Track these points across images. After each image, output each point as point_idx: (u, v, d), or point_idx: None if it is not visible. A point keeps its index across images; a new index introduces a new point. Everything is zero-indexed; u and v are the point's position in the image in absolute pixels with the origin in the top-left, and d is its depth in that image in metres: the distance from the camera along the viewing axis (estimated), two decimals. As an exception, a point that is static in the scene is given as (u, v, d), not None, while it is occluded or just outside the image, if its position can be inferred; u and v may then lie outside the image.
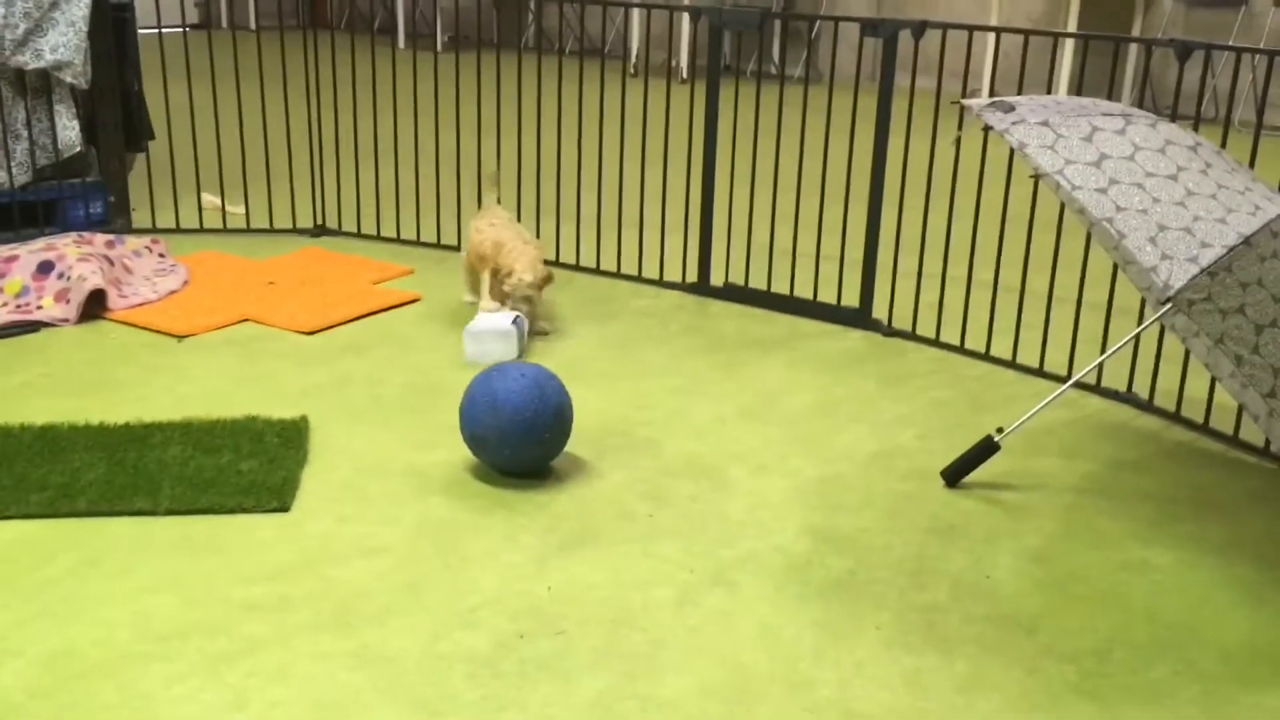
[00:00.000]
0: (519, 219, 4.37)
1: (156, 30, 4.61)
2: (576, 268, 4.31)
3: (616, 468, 2.79)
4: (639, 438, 2.95)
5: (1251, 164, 2.81)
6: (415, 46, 4.76)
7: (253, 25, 11.30)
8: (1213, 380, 3.01)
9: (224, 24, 11.38)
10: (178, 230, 4.58)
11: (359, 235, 4.61)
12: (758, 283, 4.11)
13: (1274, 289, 2.45)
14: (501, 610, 2.20)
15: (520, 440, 2.62)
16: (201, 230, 4.61)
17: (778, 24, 9.10)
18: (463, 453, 2.80)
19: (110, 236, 4.03)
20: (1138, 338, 2.93)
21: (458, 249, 4.46)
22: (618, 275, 4.25)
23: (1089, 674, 2.08)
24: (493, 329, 3.38)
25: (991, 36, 7.72)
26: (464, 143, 5.71)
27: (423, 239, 4.56)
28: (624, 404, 3.15)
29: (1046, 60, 8.28)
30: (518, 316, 3.45)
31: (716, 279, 4.13)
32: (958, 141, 2.92)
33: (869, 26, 3.58)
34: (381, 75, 8.26)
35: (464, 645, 2.10)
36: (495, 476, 2.71)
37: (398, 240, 4.55)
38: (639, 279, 4.21)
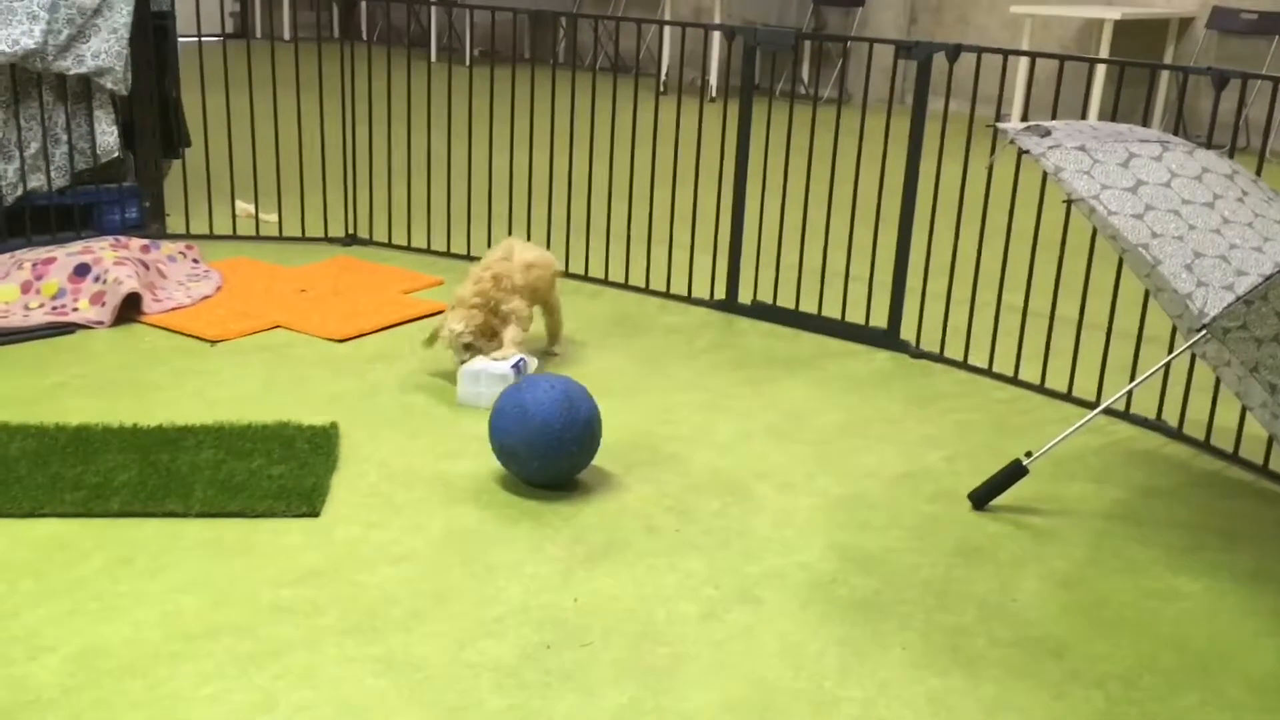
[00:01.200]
0: (549, 233, 4.40)
1: (196, 39, 4.66)
2: (605, 282, 4.33)
3: (643, 481, 2.79)
4: (665, 453, 2.96)
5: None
6: (449, 60, 4.81)
7: (287, 36, 11.42)
8: (1243, 410, 2.99)
9: (259, 34, 11.50)
10: (211, 236, 4.62)
11: (389, 245, 4.64)
12: (785, 301, 4.11)
13: (1308, 319, 2.43)
14: (527, 620, 2.21)
15: (548, 452, 2.63)
16: (235, 237, 4.65)
17: (809, 44, 9.14)
18: (490, 463, 2.82)
19: (146, 241, 4.08)
20: (1168, 365, 2.92)
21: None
22: (646, 291, 4.26)
23: (1116, 700, 2.07)
24: (489, 371, 3.18)
25: (1024, 62, 7.72)
26: (495, 157, 5.75)
27: (452, 250, 4.59)
28: (651, 419, 3.16)
29: (1079, 87, 8.27)
30: (521, 359, 3.25)
31: (744, 297, 4.14)
32: (991, 165, 2.92)
33: (904, 49, 3.59)
34: (415, 88, 8.33)
35: (490, 654, 2.11)
36: (522, 487, 2.72)
37: (428, 251, 4.59)
38: (667, 295, 4.22)
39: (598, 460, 2.86)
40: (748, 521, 2.64)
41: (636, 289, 4.28)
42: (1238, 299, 2.38)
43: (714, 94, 8.98)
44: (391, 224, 4.84)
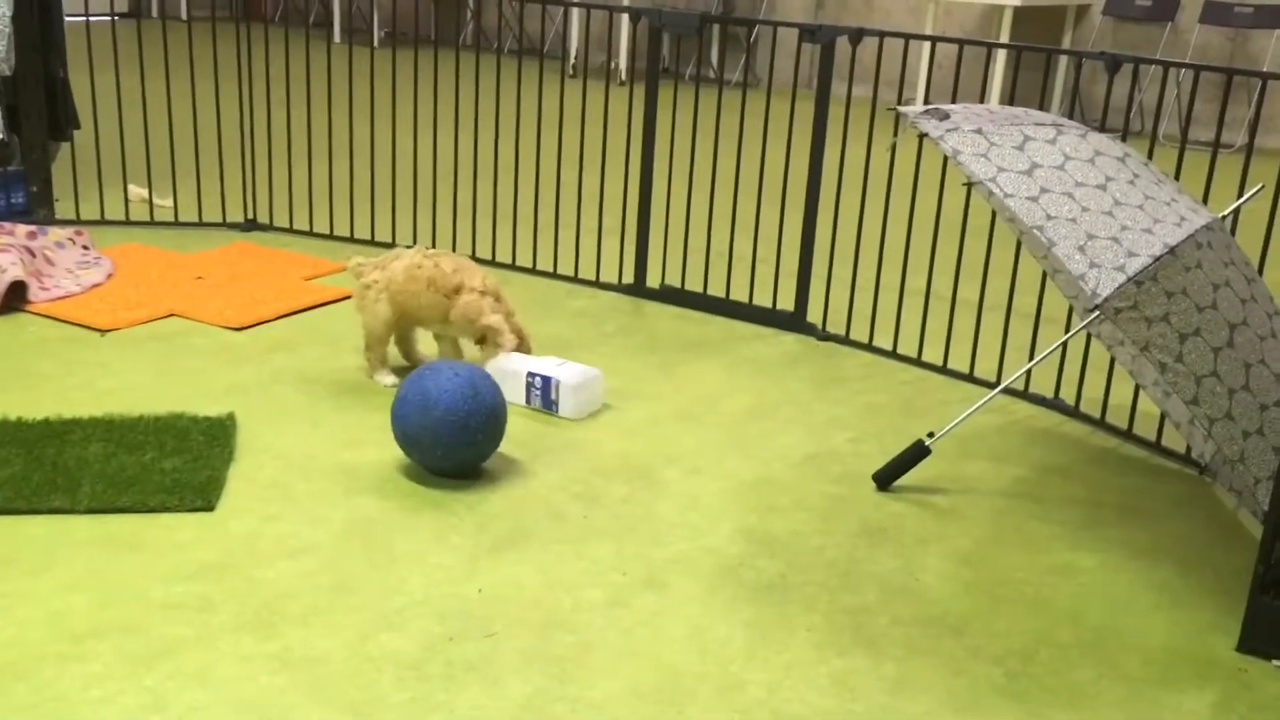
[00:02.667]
0: (455, 218, 4.33)
1: (84, 18, 4.49)
2: (513, 267, 4.28)
3: (550, 468, 2.77)
4: (573, 438, 2.94)
5: (1176, 177, 2.86)
6: (351, 41, 4.70)
7: (184, 15, 11.09)
8: (1136, 388, 3.06)
9: (154, 14, 11.16)
10: (103, 222, 4.47)
11: (291, 231, 4.53)
12: (694, 285, 4.11)
13: (1197, 299, 2.49)
14: (430, 611, 2.18)
15: (452, 440, 2.59)
16: (127, 223, 4.50)
17: (716, 28, 9.14)
18: (394, 452, 2.77)
19: (32, 227, 3.92)
20: (1065, 345, 2.97)
21: (392, 244, 4.41)
22: (554, 276, 4.23)
23: (1015, 675, 2.10)
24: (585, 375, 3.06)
25: (927, 46, 7.82)
26: (400, 140, 5.65)
27: (356, 235, 4.50)
28: (558, 404, 3.13)
29: (980, 71, 8.41)
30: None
31: (653, 281, 4.13)
32: (893, 147, 2.95)
33: (807, 32, 3.60)
34: (318, 70, 8.15)
35: (391, 647, 2.07)
36: (427, 476, 2.68)
37: (331, 236, 4.49)
38: (575, 279, 4.19)
39: (504, 447, 2.83)
40: (655, 506, 2.63)
41: (544, 273, 4.25)
42: (1129, 279, 2.43)
43: (623, 78, 8.95)
44: (293, 209, 4.72)
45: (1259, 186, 2.70)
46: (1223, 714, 2.02)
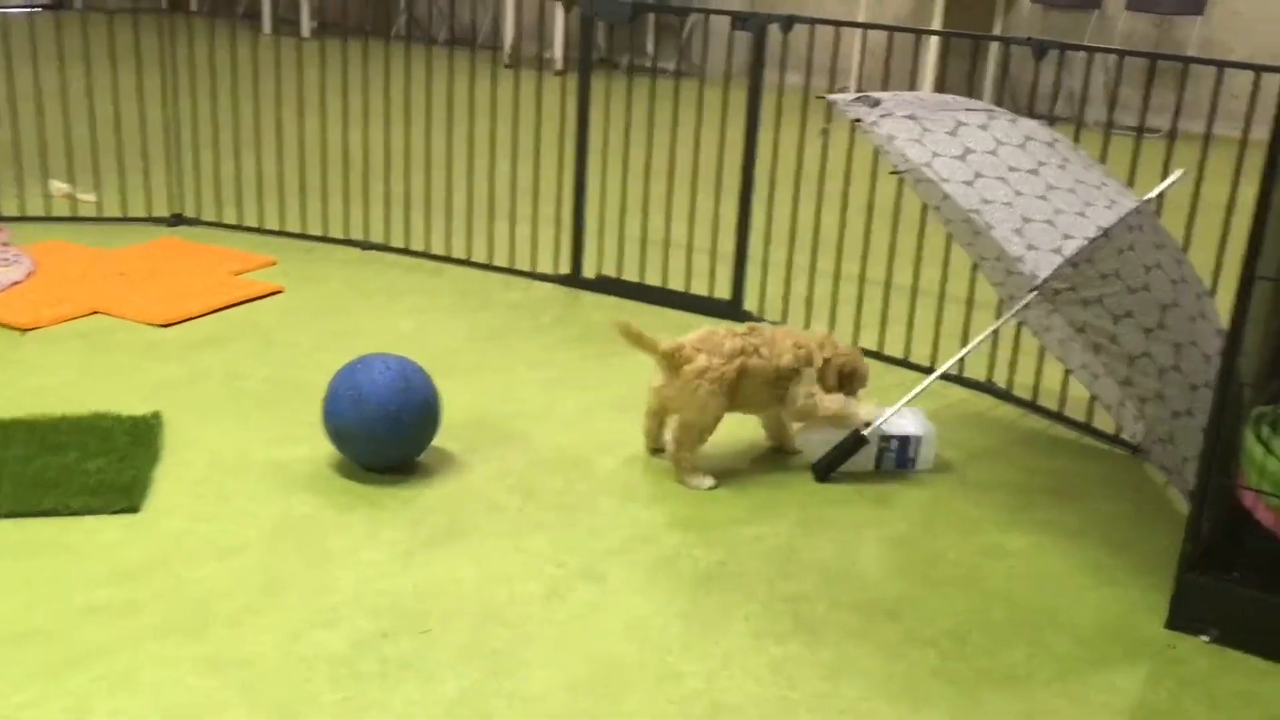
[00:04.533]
0: (388, 210, 4.27)
1: (1, 11, 4.37)
2: (447, 259, 4.24)
3: (485, 461, 2.74)
4: (509, 430, 2.91)
5: (1102, 161, 2.90)
6: (280, 33, 4.61)
7: (108, 6, 10.84)
8: (1066, 371, 3.10)
9: (77, 5, 10.89)
10: (23, 219, 4.35)
11: (219, 225, 4.45)
12: (630, 274, 4.09)
13: (1130, 280, 2.53)
14: (364, 609, 2.14)
15: (385, 435, 2.55)
16: (49, 219, 4.38)
17: (650, 16, 9.11)
18: (326, 448, 2.72)
19: (-53, 223, 3.81)
20: (997, 331, 3.00)
21: (322, 239, 4.34)
22: (489, 267, 4.19)
23: (949, 657, 2.11)
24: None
25: (859, 34, 7.87)
26: (330, 132, 5.56)
27: (286, 229, 4.42)
28: (494, 396, 3.10)
29: (911, 58, 8.48)
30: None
31: (589, 271, 4.10)
32: (825, 133, 2.95)
33: (738, 20, 3.60)
34: (245, 62, 8.00)
35: (324, 646, 2.03)
36: (360, 472, 2.64)
37: (260, 230, 4.41)
38: (511, 271, 4.16)
39: (439, 441, 2.79)
40: (593, 497, 2.61)
41: (479, 265, 4.20)
42: (1065, 261, 2.45)
43: (559, 68, 8.89)
44: (221, 203, 4.63)
45: (1181, 171, 2.74)
46: (1152, 690, 2.05)
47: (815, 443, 2.80)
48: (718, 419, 2.70)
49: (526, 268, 4.17)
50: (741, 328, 2.77)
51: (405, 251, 4.28)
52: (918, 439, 2.82)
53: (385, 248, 4.32)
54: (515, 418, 2.99)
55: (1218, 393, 2.18)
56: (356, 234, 4.41)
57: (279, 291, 3.78)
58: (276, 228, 4.43)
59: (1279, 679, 2.10)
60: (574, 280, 4.09)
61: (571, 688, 1.97)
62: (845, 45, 8.43)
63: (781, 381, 2.73)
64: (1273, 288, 2.35)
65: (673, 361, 2.69)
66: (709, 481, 2.70)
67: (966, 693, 2.02)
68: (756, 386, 2.71)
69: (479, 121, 5.54)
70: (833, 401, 2.75)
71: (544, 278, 4.12)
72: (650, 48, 9.25)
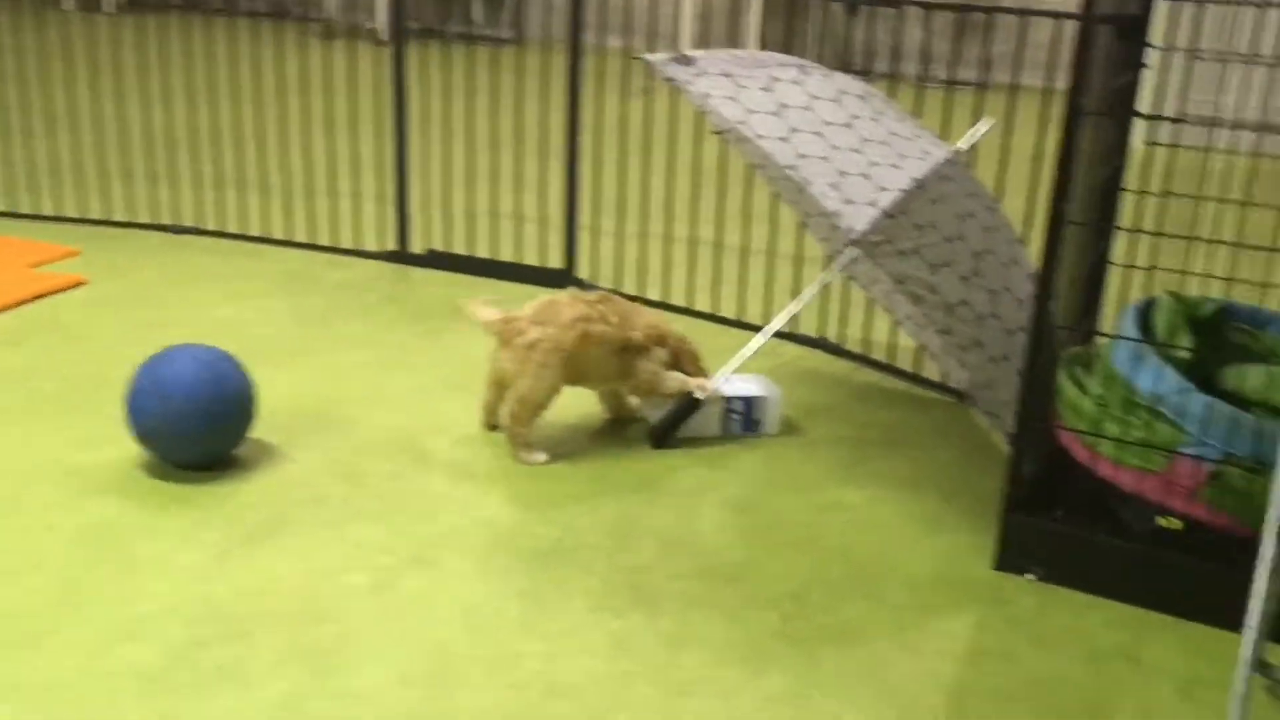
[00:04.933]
0: (201, 191, 4.05)
1: None
2: (267, 240, 4.05)
3: (309, 450, 2.62)
4: (335, 416, 2.79)
5: (917, 115, 2.92)
6: (83, 9, 4.32)
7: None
8: (895, 322, 3.13)
9: None
10: None
11: (12, 215, 4.15)
12: (460, 248, 3.99)
13: (945, 230, 2.55)
14: (176, 617, 2.01)
15: (196, 430, 2.41)
16: None
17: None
18: (134, 449, 2.55)
19: None
20: (827, 286, 3.01)
21: (129, 225, 4.09)
22: (312, 247, 4.02)
23: (789, 617, 2.11)
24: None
25: (688, -3, 7.84)
26: (138, 112, 5.25)
27: (89, 216, 4.16)
28: (319, 381, 2.97)
29: (736, 20, 8.50)
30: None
31: (417, 246, 3.98)
32: (645, 91, 2.89)
33: (554, -19, 3.50)
34: (42, 41, 7.51)
35: (132, 660, 1.90)
36: (172, 471, 2.48)
37: (59, 219, 4.13)
38: (335, 250, 4.00)
39: (257, 432, 2.66)
40: (424, 480, 2.52)
41: (301, 245, 4.03)
42: (881, 214, 2.46)
43: (382, 37, 8.62)
44: (15, 191, 4.32)
45: (990, 120, 2.78)
46: (982, 632, 2.08)
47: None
48: (553, 392, 2.63)
49: (351, 246, 4.02)
50: (594, 296, 2.70)
51: (220, 234, 4.08)
52: (762, 400, 2.81)
53: (199, 231, 4.10)
54: (341, 403, 2.86)
55: (1031, 336, 2.21)
56: (166, 218, 4.18)
57: (82, 283, 3.55)
58: (77, 215, 4.16)
59: (1101, 611, 2.16)
60: (402, 256, 3.96)
61: (403, 681, 1.89)
62: (668, 6, 8.40)
63: (628, 355, 2.68)
64: (1082, 233, 2.40)
65: (504, 334, 2.61)
66: (542, 456, 2.63)
67: (807, 652, 2.01)
68: (602, 356, 2.64)
69: (294, 96, 5.32)
70: (675, 379, 2.72)
71: (370, 255, 3.97)
72: (478, 15, 9.06)
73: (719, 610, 2.12)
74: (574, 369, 2.63)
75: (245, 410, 2.49)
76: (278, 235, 4.08)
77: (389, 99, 3.92)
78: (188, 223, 4.14)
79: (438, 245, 4.00)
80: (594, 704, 1.86)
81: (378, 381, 3.00)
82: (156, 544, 2.22)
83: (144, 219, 4.14)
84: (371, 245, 4.03)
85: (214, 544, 2.23)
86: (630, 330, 2.67)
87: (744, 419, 2.80)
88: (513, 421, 2.62)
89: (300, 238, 4.07)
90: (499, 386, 2.70)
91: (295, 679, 1.87)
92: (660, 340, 2.72)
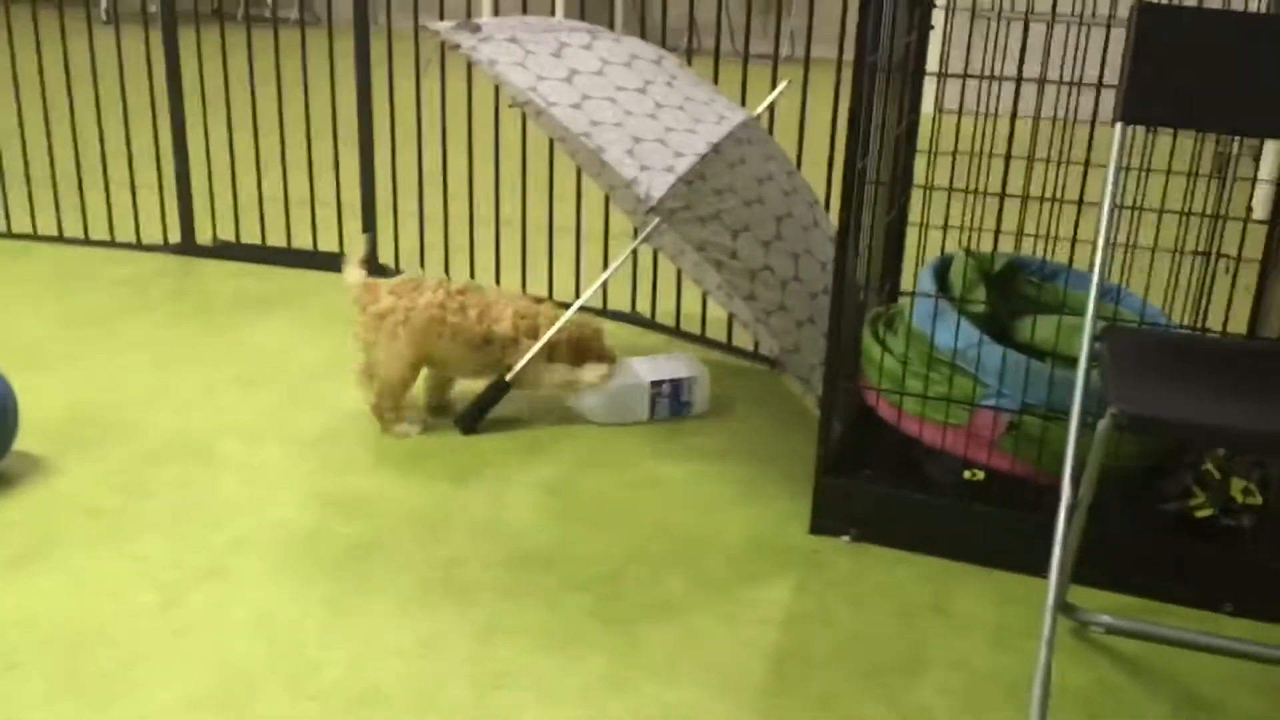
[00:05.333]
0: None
1: None
2: (35, 237, 3.75)
3: (84, 461, 2.41)
4: (114, 422, 2.58)
5: (716, 85, 2.89)
6: None
7: None
8: (704, 293, 3.11)
9: None
10: None
11: None
12: (250, 237, 3.77)
13: (744, 194, 2.52)
14: (-73, 656, 1.81)
15: (-52, 446, 2.18)
16: None
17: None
18: (-122, 471, 2.30)
19: None
20: (635, 256, 2.96)
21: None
22: (87, 242, 3.74)
23: (606, 598, 2.04)
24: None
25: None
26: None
27: None
28: (95, 386, 2.75)
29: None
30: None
31: (203, 237, 3.75)
32: (429, 63, 2.77)
33: (334, -48, 3.33)
34: None
35: (-125, 709, 1.69)
36: (-77, 494, 2.25)
37: None
38: (113, 244, 3.73)
39: (23, 444, 2.43)
40: (213, 485, 2.35)
41: (75, 241, 3.74)
42: (679, 179, 2.41)
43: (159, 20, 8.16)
44: None
45: (786, 82, 2.77)
46: (801, 597, 2.07)
47: (601, 405, 2.67)
48: (406, 366, 2.53)
49: (131, 240, 3.76)
50: (457, 285, 2.60)
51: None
52: (691, 380, 2.73)
53: (-44, 232, 3.76)
54: (120, 407, 2.65)
55: (834, 297, 2.21)
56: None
57: None
58: None
59: (912, 566, 2.17)
60: (187, 248, 3.72)
61: (193, 704, 1.74)
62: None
63: (492, 348, 2.58)
64: (880, 193, 2.41)
65: (360, 299, 2.57)
66: (410, 429, 2.57)
67: (624, 632, 1.95)
68: (458, 347, 2.56)
69: (57, 82, 4.94)
70: (556, 372, 2.62)
71: (153, 248, 3.72)
72: (266, -3, 8.66)
73: (534, 597, 2.04)
74: (431, 355, 2.56)
75: (5, 421, 2.26)
76: (47, 232, 3.78)
77: (163, 84, 3.67)
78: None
79: (226, 235, 3.77)
80: (403, 709, 1.75)
81: (161, 382, 2.79)
82: (-95, 576, 2.00)
83: (-109, 220, 3.78)
84: (153, 238, 3.78)
85: (-27, 571, 2.02)
86: (492, 322, 2.57)
87: (672, 401, 2.72)
88: (377, 397, 2.56)
89: (73, 234, 3.78)
90: (369, 367, 2.60)
91: (70, 712, 1.71)
92: (533, 331, 2.61)
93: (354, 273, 2.63)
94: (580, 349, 2.67)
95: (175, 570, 2.07)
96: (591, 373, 2.64)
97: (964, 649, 1.95)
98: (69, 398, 2.69)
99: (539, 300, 2.69)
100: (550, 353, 2.63)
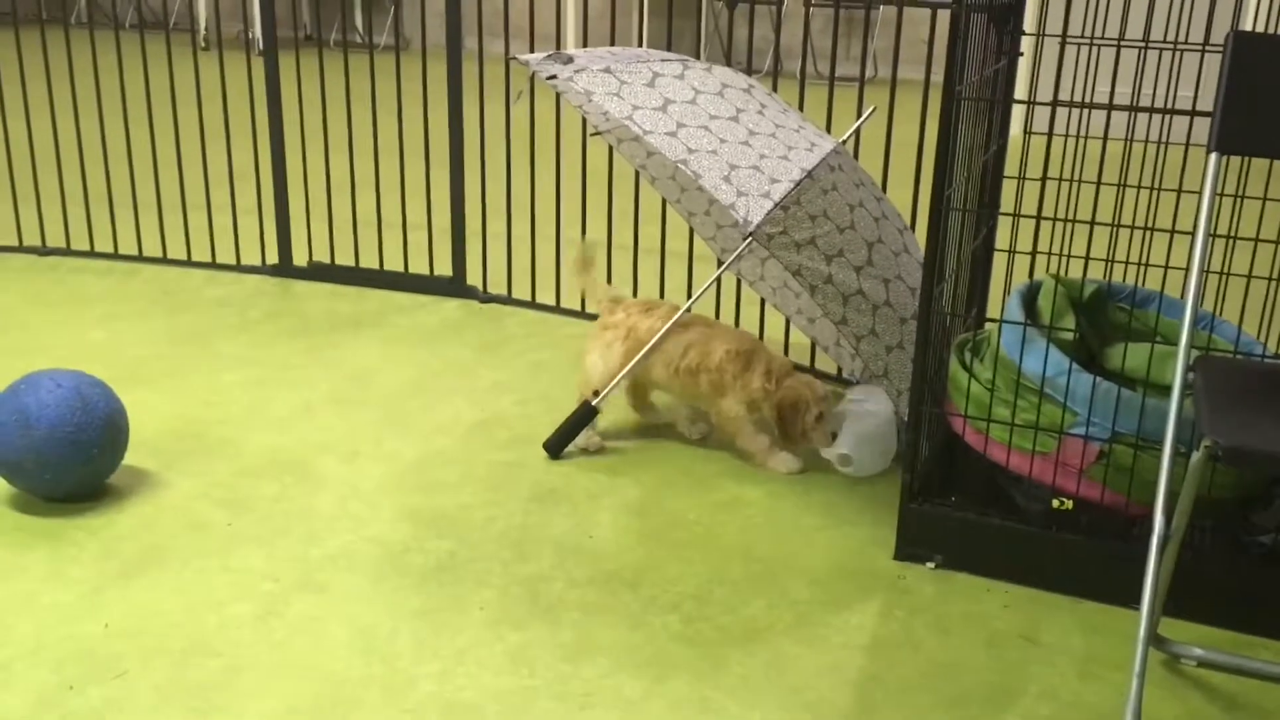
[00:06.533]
0: (64, 208, 3.87)
1: None
2: (140, 258, 3.89)
3: (187, 475, 2.50)
4: (214, 438, 2.67)
5: (800, 108, 2.92)
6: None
7: None
8: (786, 318, 3.12)
9: None
10: None
11: None
12: (345, 259, 3.88)
13: (838, 220, 2.54)
14: (43, 660, 1.89)
15: (63, 460, 2.28)
16: None
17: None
18: (-3, 482, 2.42)
19: None
20: (719, 281, 2.98)
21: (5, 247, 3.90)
22: (189, 264, 3.88)
23: (691, 619, 2.07)
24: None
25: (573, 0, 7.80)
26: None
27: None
28: (196, 403, 2.85)
29: (616, 21, 8.49)
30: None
31: (299, 259, 3.86)
32: (520, 95, 2.84)
33: (429, -18, 3.43)
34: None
35: (-4, 710, 1.78)
36: (39, 505, 2.35)
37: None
38: (214, 265, 3.86)
39: (130, 459, 2.53)
40: (310, 501, 2.42)
41: (178, 262, 3.88)
42: (776, 205, 2.44)
43: (262, 48, 8.42)
44: None
45: (873, 108, 2.78)
46: (885, 623, 2.07)
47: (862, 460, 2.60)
48: (610, 375, 2.67)
49: (230, 261, 3.89)
50: (690, 315, 2.69)
51: (91, 254, 3.91)
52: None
53: (67, 252, 3.92)
54: (221, 424, 2.75)
55: (921, 322, 2.21)
56: (32, 239, 4.00)
57: None
58: (-65, 240, 3.95)
59: (998, 595, 2.16)
60: (284, 270, 3.83)
61: (292, 712, 1.80)
62: (548, 10, 8.38)
63: (698, 378, 2.62)
64: (967, 219, 2.41)
65: (603, 309, 2.74)
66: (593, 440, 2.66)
67: (709, 654, 1.98)
68: (665, 372, 2.66)
69: (163, 108, 5.12)
70: (752, 440, 2.62)
71: (251, 270, 3.85)
72: (359, 21, 8.89)
73: (619, 616, 2.07)
74: (636, 373, 2.68)
75: (115, 437, 2.36)
76: (152, 253, 3.93)
77: (264, 109, 3.79)
78: (55, 244, 3.96)
79: (321, 257, 3.88)
80: (493, 723, 1.80)
81: (259, 400, 2.89)
82: (21, 584, 2.09)
83: (7, 241, 3.95)
84: (252, 260, 3.90)
85: (85, 580, 2.11)
86: (704, 356, 2.62)
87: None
88: (580, 389, 2.71)
89: (176, 255, 3.92)
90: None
91: (177, 718, 1.77)
92: (746, 364, 2.62)
93: (588, 279, 2.80)
94: (789, 412, 2.60)
95: (273, 583, 2.14)
96: (782, 464, 2.62)
97: (1052, 679, 1.94)
98: (173, 414, 2.79)
99: (757, 337, 2.72)
100: (758, 406, 2.61)
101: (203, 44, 8.63)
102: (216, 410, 2.82)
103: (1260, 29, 1.88)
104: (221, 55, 3.59)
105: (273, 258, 3.88)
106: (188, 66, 3.80)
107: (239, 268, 3.86)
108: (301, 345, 3.25)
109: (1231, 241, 2.27)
